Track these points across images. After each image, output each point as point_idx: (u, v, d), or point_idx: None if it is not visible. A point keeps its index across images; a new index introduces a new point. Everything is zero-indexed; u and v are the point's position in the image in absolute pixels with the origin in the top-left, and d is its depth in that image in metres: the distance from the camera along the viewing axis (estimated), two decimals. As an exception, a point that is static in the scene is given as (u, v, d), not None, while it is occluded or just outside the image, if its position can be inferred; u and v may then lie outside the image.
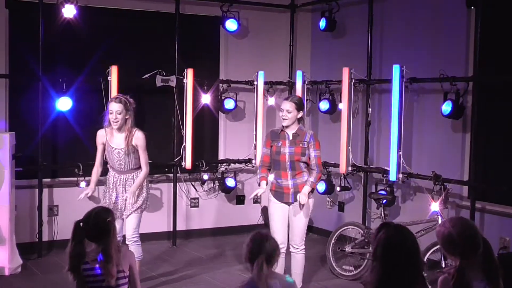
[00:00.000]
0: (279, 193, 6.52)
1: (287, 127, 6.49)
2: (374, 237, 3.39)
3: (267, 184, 6.52)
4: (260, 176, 6.60)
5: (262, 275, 3.94)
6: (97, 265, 4.14)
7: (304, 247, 6.63)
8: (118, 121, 6.44)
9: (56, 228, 8.46)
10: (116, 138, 6.56)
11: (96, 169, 6.75)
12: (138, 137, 6.56)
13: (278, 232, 6.45)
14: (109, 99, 7.97)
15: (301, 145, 6.45)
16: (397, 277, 3.24)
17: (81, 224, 4.14)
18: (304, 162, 6.49)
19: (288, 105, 6.44)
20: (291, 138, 6.48)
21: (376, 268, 3.30)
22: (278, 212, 6.50)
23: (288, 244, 6.61)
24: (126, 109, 6.48)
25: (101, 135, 6.65)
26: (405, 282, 3.23)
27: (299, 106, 6.50)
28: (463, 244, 3.59)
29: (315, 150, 6.50)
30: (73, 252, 4.12)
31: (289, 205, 6.53)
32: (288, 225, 6.61)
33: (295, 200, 6.45)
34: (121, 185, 6.59)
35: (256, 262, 3.96)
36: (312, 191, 6.50)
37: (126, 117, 6.50)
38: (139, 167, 6.62)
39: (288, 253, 6.61)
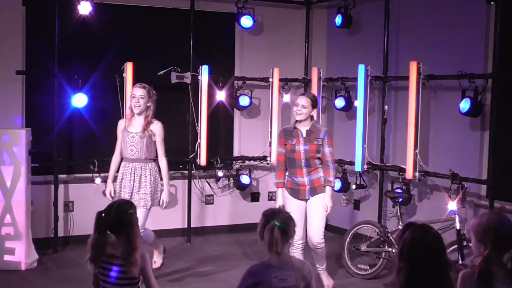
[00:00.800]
0: (295, 190, 6.52)
1: (299, 123, 6.48)
2: (399, 237, 3.34)
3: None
4: (277, 182, 6.66)
5: (276, 242, 3.87)
6: (115, 266, 4.11)
7: (324, 243, 6.60)
8: (140, 106, 6.54)
9: (71, 224, 8.48)
10: (134, 124, 6.63)
11: (115, 157, 6.79)
12: (157, 126, 6.65)
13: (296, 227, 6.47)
14: (124, 95, 8.02)
15: (315, 142, 6.44)
16: (425, 277, 3.20)
17: (103, 214, 4.12)
18: (318, 158, 6.49)
19: (303, 100, 6.44)
20: (305, 135, 6.47)
21: (404, 269, 3.25)
22: (295, 209, 6.43)
23: (306, 240, 6.61)
24: (149, 96, 6.60)
25: (121, 123, 6.75)
26: (433, 282, 3.18)
27: (314, 103, 6.51)
28: (497, 233, 3.56)
29: (329, 146, 6.51)
30: (95, 242, 4.10)
31: (306, 202, 6.52)
32: (305, 222, 6.61)
33: (312, 195, 6.46)
34: (128, 173, 6.60)
35: (268, 227, 3.91)
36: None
37: (148, 104, 6.60)
38: (150, 160, 6.62)
39: (307, 250, 6.60)
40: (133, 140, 6.57)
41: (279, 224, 3.92)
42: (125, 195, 6.49)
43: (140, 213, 6.29)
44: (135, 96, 6.59)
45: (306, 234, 6.63)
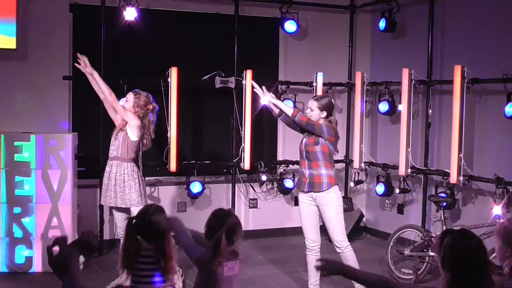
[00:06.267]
0: (300, 181, 6.63)
1: None
2: (438, 244, 3.26)
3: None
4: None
5: (220, 250, 3.98)
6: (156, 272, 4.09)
7: (348, 243, 6.54)
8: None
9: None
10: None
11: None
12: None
13: (308, 229, 6.59)
14: (169, 99, 8.08)
15: (313, 136, 6.47)
16: (469, 282, 3.14)
17: (134, 221, 4.09)
18: (320, 153, 6.43)
19: (310, 104, 6.55)
20: None
21: (447, 277, 3.19)
22: (305, 211, 6.57)
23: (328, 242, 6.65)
24: (135, 103, 6.90)
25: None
26: (477, 286, 3.13)
27: (323, 107, 6.50)
28: None
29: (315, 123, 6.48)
30: (127, 249, 4.06)
31: (312, 200, 6.51)
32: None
33: (310, 190, 6.47)
34: (108, 172, 6.92)
35: (216, 236, 3.99)
36: (275, 105, 6.65)
37: (135, 110, 6.90)
38: (126, 159, 6.84)
39: (333, 253, 6.57)
40: (113, 141, 6.94)
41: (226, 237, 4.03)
42: (106, 194, 6.90)
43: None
44: (127, 99, 6.96)
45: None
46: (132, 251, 4.04)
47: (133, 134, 6.78)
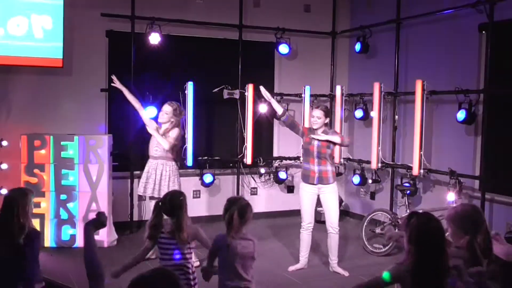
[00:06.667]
0: (306, 176, 6.47)
1: (316, 129, 6.41)
2: (405, 223, 3.22)
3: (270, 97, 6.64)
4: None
5: (233, 225, 3.94)
6: (171, 239, 4.11)
7: (338, 228, 6.50)
8: (163, 118, 6.68)
9: (144, 210, 8.49)
10: (161, 131, 6.74)
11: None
12: (174, 131, 6.69)
13: (306, 212, 6.48)
14: (186, 109, 8.01)
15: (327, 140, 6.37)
16: (431, 257, 3.09)
17: (160, 203, 4.15)
18: (329, 154, 6.39)
19: (318, 113, 6.39)
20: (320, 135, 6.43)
21: (412, 250, 3.14)
22: (307, 195, 6.46)
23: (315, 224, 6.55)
24: (173, 113, 6.67)
25: (154, 124, 6.86)
26: (438, 262, 3.07)
27: (327, 113, 6.44)
28: (473, 220, 3.47)
29: (337, 133, 6.51)
30: (151, 223, 4.13)
31: (315, 188, 6.41)
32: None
33: (319, 183, 6.37)
34: (153, 168, 6.68)
35: (229, 212, 3.96)
36: (328, 140, 6.35)
37: (172, 120, 6.69)
38: (170, 158, 6.66)
39: (323, 233, 6.52)
40: (157, 142, 6.68)
41: (238, 215, 3.97)
42: (148, 186, 6.63)
43: None
44: (162, 110, 6.72)
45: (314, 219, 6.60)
46: (157, 225, 4.11)
47: (173, 140, 6.69)
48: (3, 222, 4.09)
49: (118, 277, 4.06)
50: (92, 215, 7.24)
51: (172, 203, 4.11)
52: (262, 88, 6.72)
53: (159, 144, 6.66)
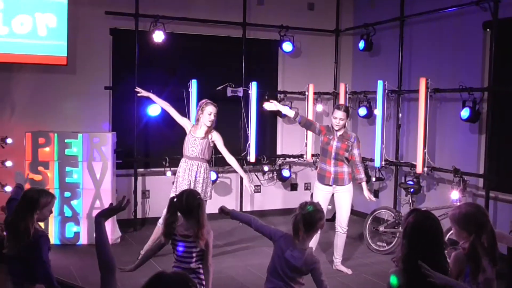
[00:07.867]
0: (322, 176, 6.45)
1: (337, 130, 6.39)
2: (405, 219, 3.25)
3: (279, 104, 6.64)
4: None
5: (297, 233, 3.84)
6: (182, 242, 4.06)
7: (347, 228, 6.51)
8: (212, 122, 6.48)
9: (148, 208, 8.49)
10: (198, 131, 6.53)
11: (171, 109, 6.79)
12: (216, 135, 6.54)
13: None
14: (190, 106, 8.00)
15: (346, 143, 6.37)
16: (421, 252, 3.09)
17: (175, 200, 4.09)
18: (345, 157, 6.39)
19: (341, 114, 6.34)
20: (339, 135, 6.39)
21: (404, 245, 3.16)
22: (321, 195, 6.42)
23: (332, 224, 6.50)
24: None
25: (190, 125, 6.68)
26: (428, 257, 3.07)
27: (348, 115, 6.44)
28: (477, 220, 3.41)
29: (358, 149, 6.44)
30: (167, 221, 4.09)
31: (331, 188, 6.40)
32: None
33: (334, 184, 6.37)
34: (188, 168, 6.47)
35: (294, 217, 3.85)
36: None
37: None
38: (205, 160, 6.51)
39: (329, 231, 6.51)
40: (194, 143, 6.50)
41: (304, 213, 3.83)
42: (183, 186, 6.38)
43: None
44: (211, 113, 6.45)
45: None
46: (171, 223, 4.07)
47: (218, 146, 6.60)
48: (15, 220, 4.02)
49: (136, 269, 4.10)
50: (96, 212, 7.28)
51: (189, 202, 4.03)
52: (266, 104, 6.63)
53: (196, 145, 6.47)
